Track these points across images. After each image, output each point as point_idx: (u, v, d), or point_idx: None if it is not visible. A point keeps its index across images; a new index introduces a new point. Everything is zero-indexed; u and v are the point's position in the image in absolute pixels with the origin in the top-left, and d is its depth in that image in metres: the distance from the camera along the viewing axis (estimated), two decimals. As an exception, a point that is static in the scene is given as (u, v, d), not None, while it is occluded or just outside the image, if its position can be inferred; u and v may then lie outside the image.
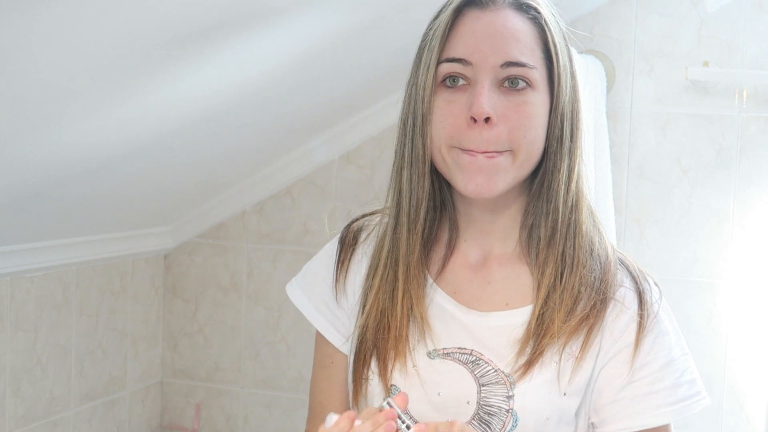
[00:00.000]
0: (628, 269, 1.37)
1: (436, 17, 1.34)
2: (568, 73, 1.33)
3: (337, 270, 1.43)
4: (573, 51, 1.38)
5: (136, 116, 1.89)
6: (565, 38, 1.34)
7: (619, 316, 1.33)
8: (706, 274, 2.59)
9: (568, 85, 1.33)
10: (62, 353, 2.45)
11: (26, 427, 2.33)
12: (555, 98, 1.31)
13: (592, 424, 1.36)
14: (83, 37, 1.49)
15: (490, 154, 1.28)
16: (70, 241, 2.42)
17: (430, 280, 1.37)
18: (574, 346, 1.32)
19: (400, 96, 2.74)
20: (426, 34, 1.34)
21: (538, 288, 1.33)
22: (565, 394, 1.32)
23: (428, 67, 1.31)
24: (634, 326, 1.33)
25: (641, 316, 1.33)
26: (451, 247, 1.38)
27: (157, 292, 2.86)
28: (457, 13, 1.31)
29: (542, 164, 1.33)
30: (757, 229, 2.55)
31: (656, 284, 1.38)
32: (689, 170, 2.58)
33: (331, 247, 1.46)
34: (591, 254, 1.34)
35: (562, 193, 1.32)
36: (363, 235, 1.44)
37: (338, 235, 1.47)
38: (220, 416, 2.90)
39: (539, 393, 1.31)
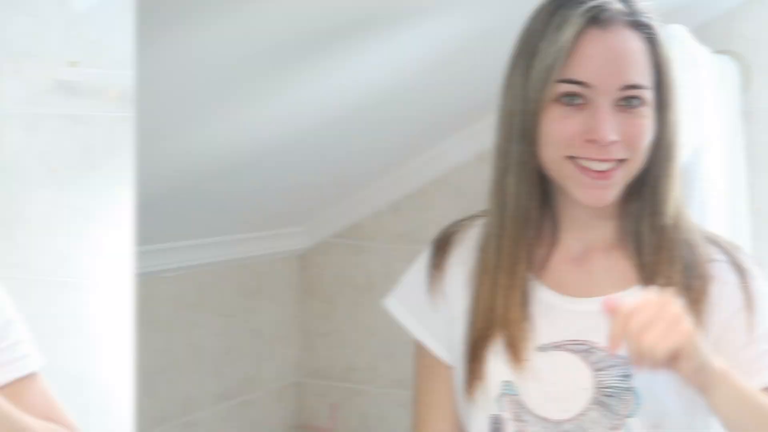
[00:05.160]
0: (718, 244, 1.40)
1: (553, 30, 1.33)
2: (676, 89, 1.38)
3: (431, 274, 1.44)
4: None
5: (274, 116, 1.93)
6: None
7: (723, 290, 1.35)
8: None
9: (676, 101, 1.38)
10: (197, 353, 2.47)
11: (161, 428, 2.36)
12: (666, 114, 1.36)
13: None
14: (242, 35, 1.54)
15: (607, 174, 1.33)
16: (207, 241, 2.45)
17: (532, 277, 1.39)
18: None
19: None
20: (535, 46, 1.34)
21: (641, 268, 1.36)
22: None
23: (543, 83, 1.33)
24: (739, 295, 1.35)
25: (745, 284, 1.35)
26: (552, 243, 1.40)
27: (292, 292, 2.87)
28: (579, 32, 1.32)
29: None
30: None
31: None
32: None
33: (425, 254, 1.47)
34: (685, 242, 1.37)
35: (670, 206, 1.37)
36: (458, 240, 1.45)
37: (432, 243, 1.49)
38: (355, 416, 2.91)
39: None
